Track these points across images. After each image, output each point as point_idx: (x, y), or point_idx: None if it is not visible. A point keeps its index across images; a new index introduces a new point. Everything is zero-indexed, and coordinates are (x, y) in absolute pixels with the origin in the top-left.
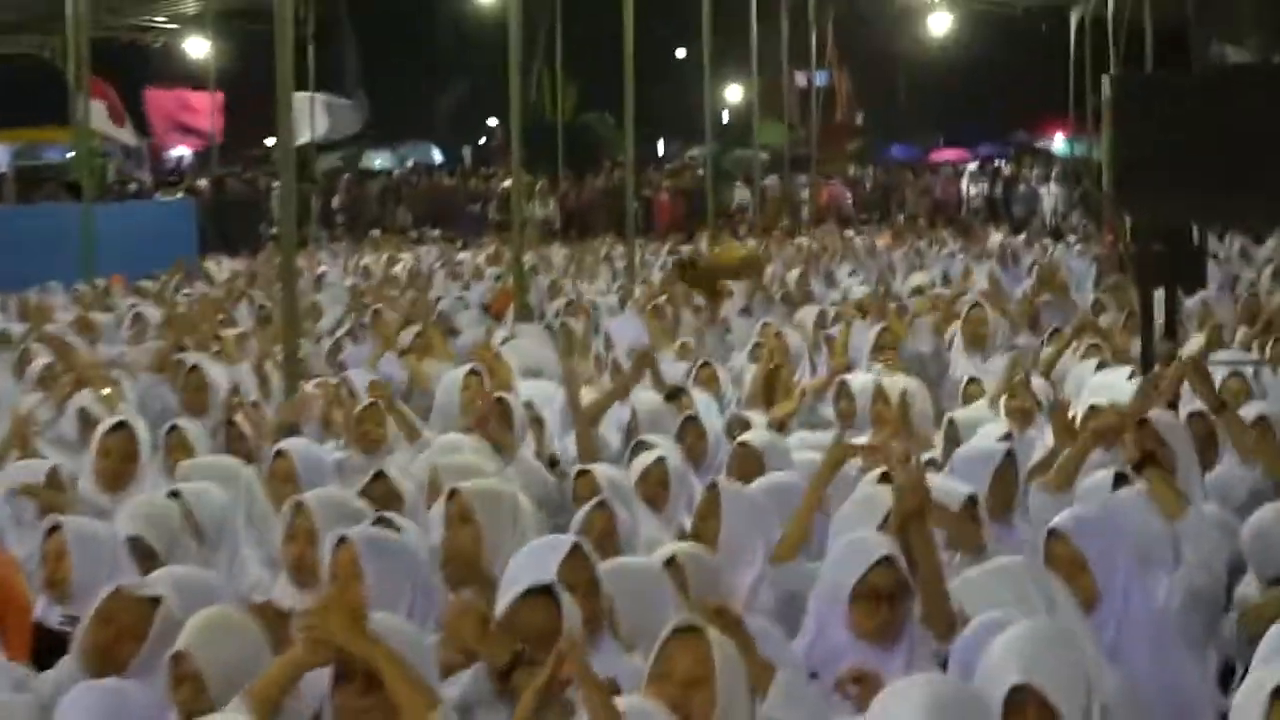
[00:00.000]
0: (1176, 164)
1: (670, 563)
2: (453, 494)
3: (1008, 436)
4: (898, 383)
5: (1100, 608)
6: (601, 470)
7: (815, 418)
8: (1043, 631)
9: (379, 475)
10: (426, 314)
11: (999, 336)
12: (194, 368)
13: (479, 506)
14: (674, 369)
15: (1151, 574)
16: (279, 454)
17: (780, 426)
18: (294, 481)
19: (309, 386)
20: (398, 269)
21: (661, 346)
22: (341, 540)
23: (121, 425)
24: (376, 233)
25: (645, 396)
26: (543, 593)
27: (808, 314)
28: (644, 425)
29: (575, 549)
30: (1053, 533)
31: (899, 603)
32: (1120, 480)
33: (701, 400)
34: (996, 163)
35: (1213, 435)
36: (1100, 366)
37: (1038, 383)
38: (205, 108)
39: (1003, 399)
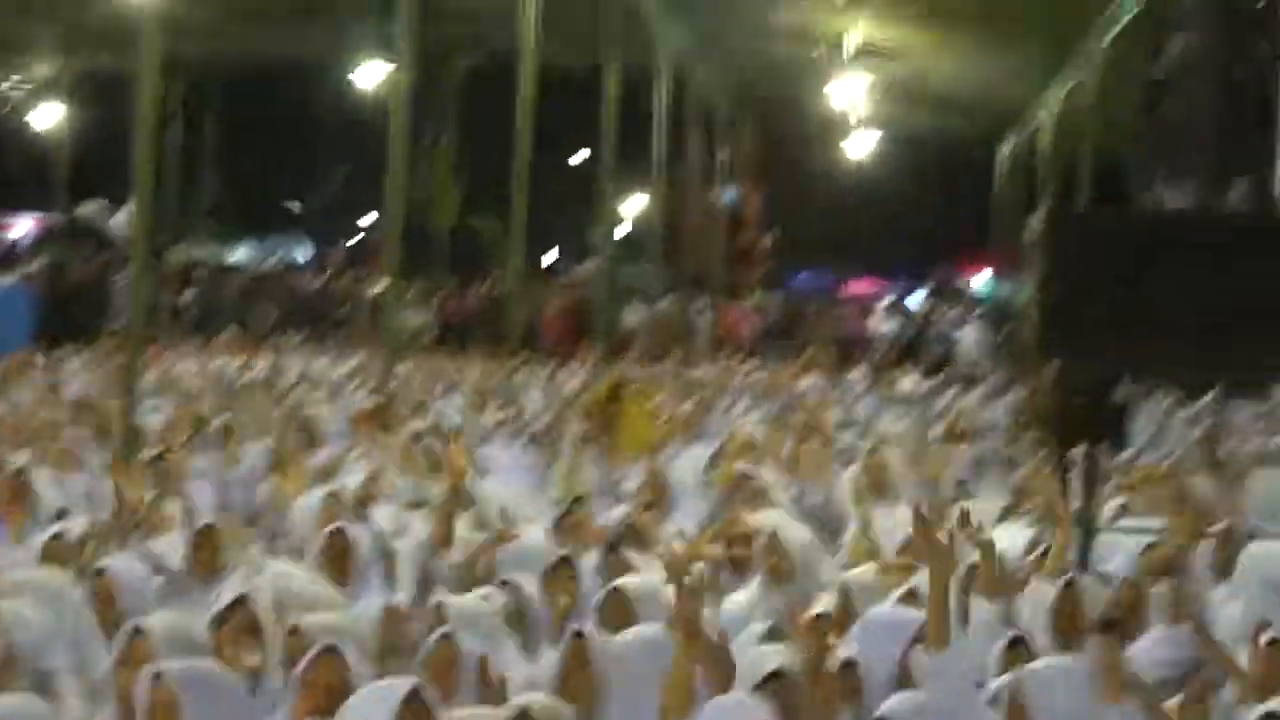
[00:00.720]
0: (1112, 309)
1: (523, 716)
2: (294, 630)
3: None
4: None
5: None
6: (455, 601)
7: None
8: None
9: (239, 602)
10: (287, 425)
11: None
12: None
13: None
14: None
15: None
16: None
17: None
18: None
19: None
20: (253, 373)
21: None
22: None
23: None
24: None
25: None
26: None
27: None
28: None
29: (414, 693)
30: None
31: None
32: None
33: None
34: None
35: None
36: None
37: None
38: None
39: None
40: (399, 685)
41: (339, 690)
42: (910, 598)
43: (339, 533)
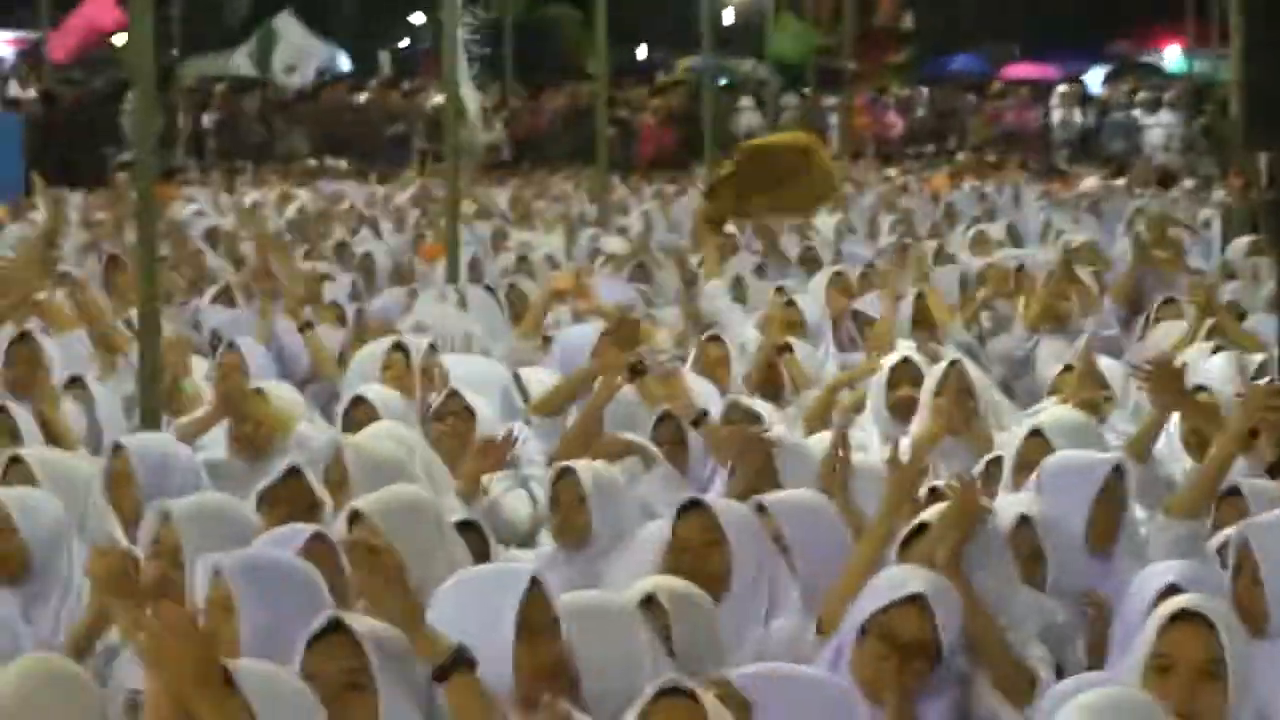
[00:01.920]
0: None
1: (649, 602)
2: (355, 516)
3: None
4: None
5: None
6: (586, 469)
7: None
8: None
9: (292, 473)
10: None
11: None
12: (24, 335)
13: (392, 527)
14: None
15: None
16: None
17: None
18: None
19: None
20: (291, 210)
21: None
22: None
23: None
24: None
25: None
26: None
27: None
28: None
29: (535, 586)
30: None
31: (916, 661)
32: None
33: (702, 387)
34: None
35: None
36: (1217, 350)
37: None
38: None
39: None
40: (516, 576)
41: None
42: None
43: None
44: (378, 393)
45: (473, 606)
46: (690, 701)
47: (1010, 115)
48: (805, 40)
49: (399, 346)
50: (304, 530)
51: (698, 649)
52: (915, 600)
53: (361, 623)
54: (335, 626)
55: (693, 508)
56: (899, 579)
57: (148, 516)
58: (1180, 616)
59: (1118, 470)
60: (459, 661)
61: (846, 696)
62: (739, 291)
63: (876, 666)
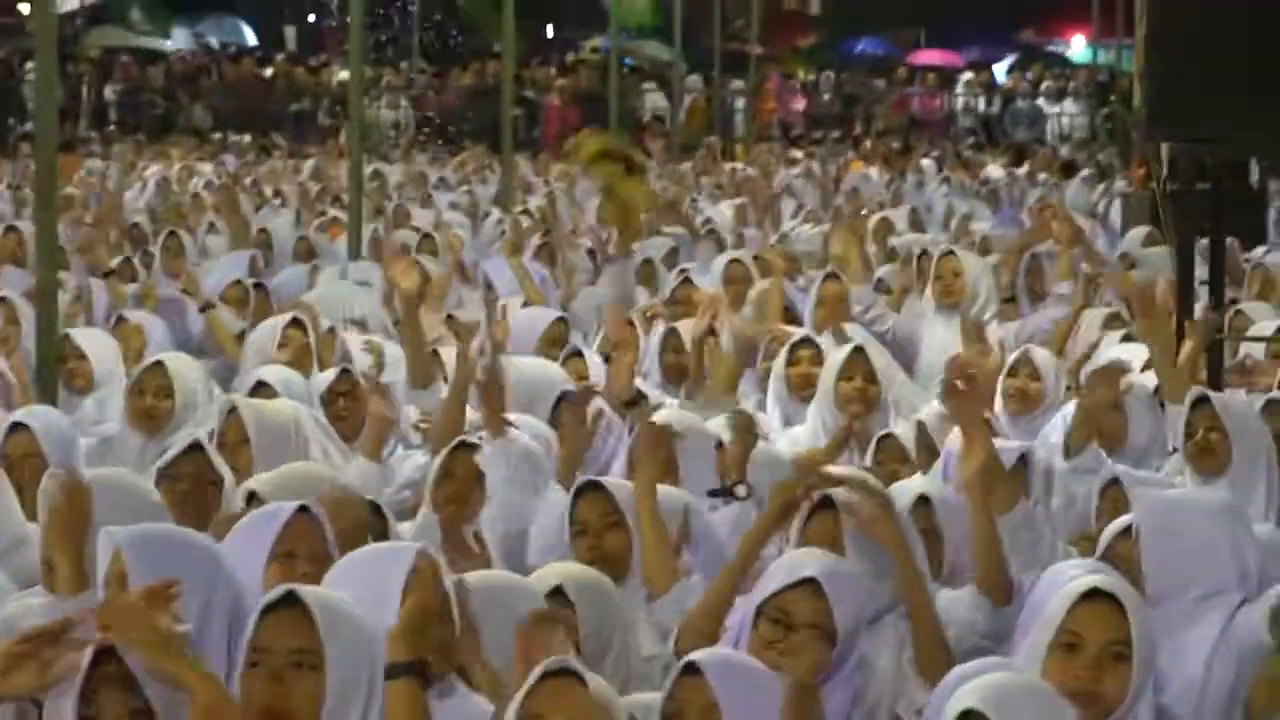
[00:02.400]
0: (1234, 78)
1: (556, 592)
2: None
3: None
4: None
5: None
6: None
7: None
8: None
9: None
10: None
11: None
12: None
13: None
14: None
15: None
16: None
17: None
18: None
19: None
20: (195, 183)
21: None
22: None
23: None
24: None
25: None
26: None
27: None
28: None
29: (420, 560)
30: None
31: (812, 644)
32: None
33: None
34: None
35: None
36: (1125, 339)
37: (1043, 358)
38: None
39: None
40: (401, 552)
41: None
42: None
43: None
44: (277, 374)
45: (360, 583)
46: (576, 682)
47: (917, 102)
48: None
49: (296, 323)
50: (288, 507)
51: (603, 634)
52: (810, 584)
53: (317, 596)
54: (290, 600)
55: (590, 489)
56: (795, 563)
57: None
58: (1090, 596)
59: (1022, 459)
60: (412, 668)
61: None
62: (648, 273)
63: (770, 650)
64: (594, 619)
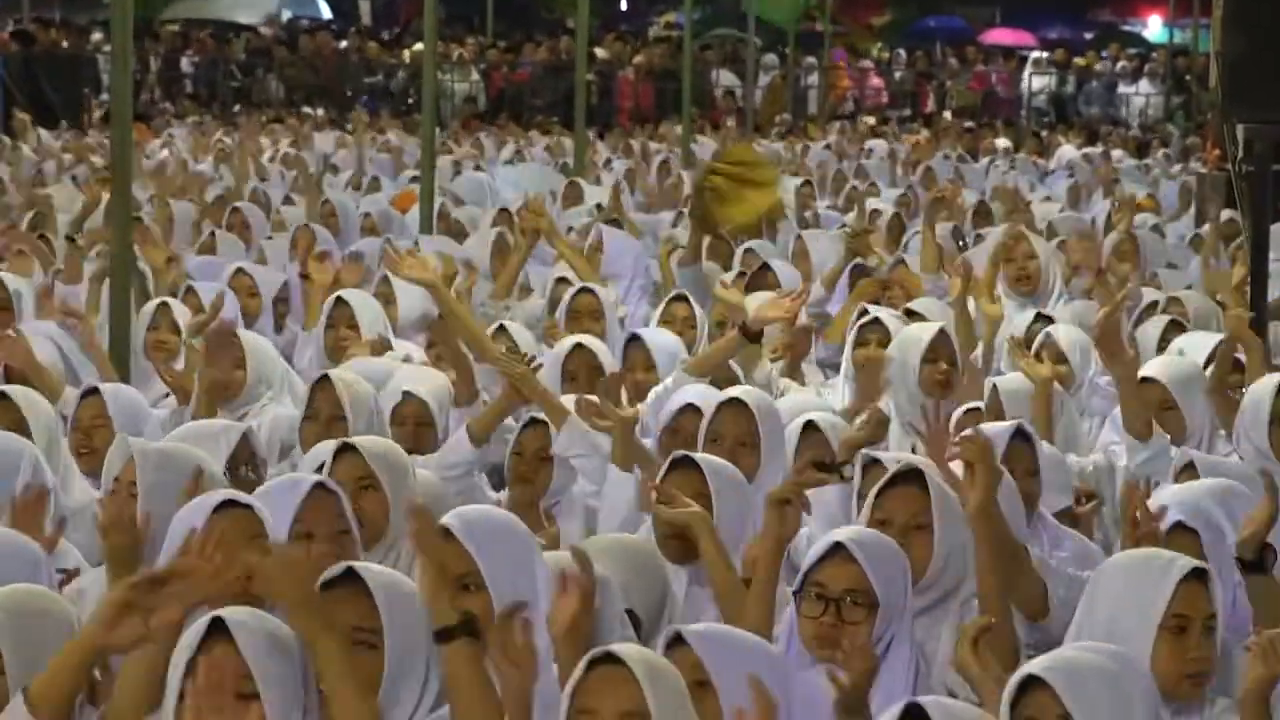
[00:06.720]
0: None
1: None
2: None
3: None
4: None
5: None
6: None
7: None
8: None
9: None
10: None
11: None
12: None
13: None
14: None
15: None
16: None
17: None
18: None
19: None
20: (267, 157)
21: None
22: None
23: None
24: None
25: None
26: None
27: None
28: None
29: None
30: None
31: (854, 610)
32: None
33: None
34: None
35: None
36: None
37: (1067, 338)
38: None
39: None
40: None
41: None
42: None
43: None
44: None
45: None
46: (622, 669)
47: (992, 80)
48: (791, 3)
49: (341, 300)
50: (306, 480)
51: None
52: (839, 550)
53: (376, 574)
54: (349, 576)
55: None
56: (823, 540)
57: (111, 455)
58: (1191, 576)
59: (1020, 434)
60: (464, 627)
61: (785, 659)
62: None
63: (816, 624)
64: (646, 589)
